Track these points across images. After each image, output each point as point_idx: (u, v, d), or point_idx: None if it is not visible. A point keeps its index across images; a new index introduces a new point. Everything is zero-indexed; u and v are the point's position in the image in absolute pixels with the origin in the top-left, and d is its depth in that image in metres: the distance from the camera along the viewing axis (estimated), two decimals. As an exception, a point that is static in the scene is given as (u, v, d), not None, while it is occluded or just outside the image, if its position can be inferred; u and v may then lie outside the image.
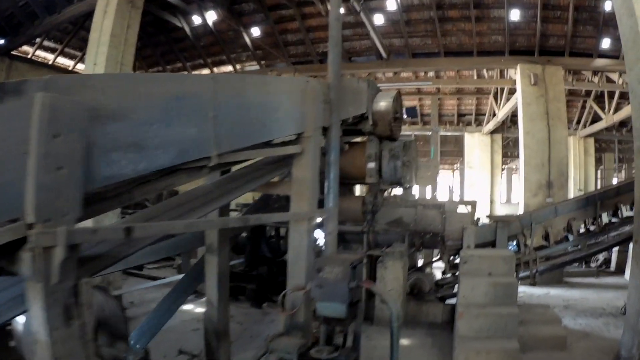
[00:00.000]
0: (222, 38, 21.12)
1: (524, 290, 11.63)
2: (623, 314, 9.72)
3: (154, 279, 12.71)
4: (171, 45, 22.48)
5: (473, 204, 10.63)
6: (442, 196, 18.86)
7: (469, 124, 27.93)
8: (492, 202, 27.80)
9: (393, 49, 19.23)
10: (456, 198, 22.84)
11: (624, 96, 21.51)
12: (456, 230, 9.78)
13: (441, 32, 18.05)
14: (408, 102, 24.34)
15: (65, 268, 2.94)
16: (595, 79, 19.24)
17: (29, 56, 20.43)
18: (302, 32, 19.40)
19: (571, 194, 20.32)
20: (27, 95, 2.91)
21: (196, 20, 20.02)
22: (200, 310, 8.56)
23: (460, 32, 18.14)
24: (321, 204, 6.59)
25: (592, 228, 11.18)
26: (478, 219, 10.61)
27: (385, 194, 10.99)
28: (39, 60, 21.06)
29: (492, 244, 10.06)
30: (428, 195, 13.84)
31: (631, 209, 10.66)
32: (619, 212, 10.79)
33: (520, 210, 15.51)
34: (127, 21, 13.37)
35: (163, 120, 3.98)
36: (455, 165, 34.43)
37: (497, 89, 23.10)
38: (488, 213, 24.68)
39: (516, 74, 17.37)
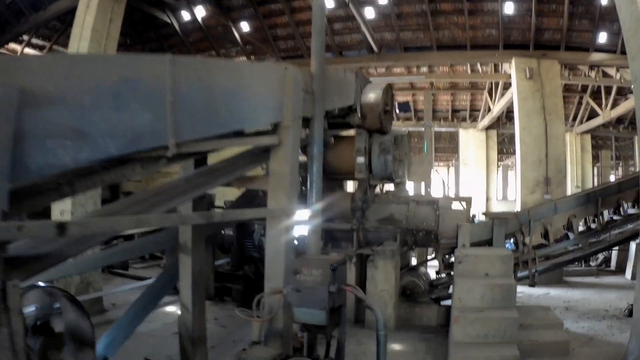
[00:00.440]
0: (211, 34, 20.79)
1: (522, 290, 11.27)
2: (627, 316, 9.62)
3: (140, 279, 12.31)
4: (160, 42, 22.18)
5: (468, 201, 10.25)
6: (436, 192, 18.46)
7: (463, 119, 27.76)
8: (488, 199, 27.67)
9: (384, 43, 18.82)
10: (451, 195, 22.42)
11: (621, 92, 21.43)
12: (450, 227, 9.41)
13: (433, 26, 17.60)
14: (401, 98, 24.12)
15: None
16: (592, 74, 18.91)
17: (18, 54, 20.01)
18: (291, 26, 19.02)
19: (569, 191, 19.97)
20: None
21: (185, 16, 19.78)
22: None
23: (453, 25, 17.69)
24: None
25: (593, 226, 10.83)
26: (474, 216, 10.22)
27: (377, 190, 10.70)
28: (27, 58, 20.59)
29: (489, 243, 9.65)
30: (422, 192, 13.43)
31: (633, 206, 10.44)
32: (621, 209, 10.38)
33: (517, 208, 15.19)
34: (110, 15, 13.02)
35: (111, 105, 3.59)
36: (450, 162, 34.06)
37: (491, 84, 22.87)
38: (484, 210, 24.46)
39: (511, 68, 17.02)
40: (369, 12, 17.44)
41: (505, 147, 30.78)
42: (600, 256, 15.29)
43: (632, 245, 13.37)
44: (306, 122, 6.19)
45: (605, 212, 10.70)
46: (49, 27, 19.52)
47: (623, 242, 10.99)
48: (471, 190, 26.09)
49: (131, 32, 20.89)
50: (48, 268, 3.47)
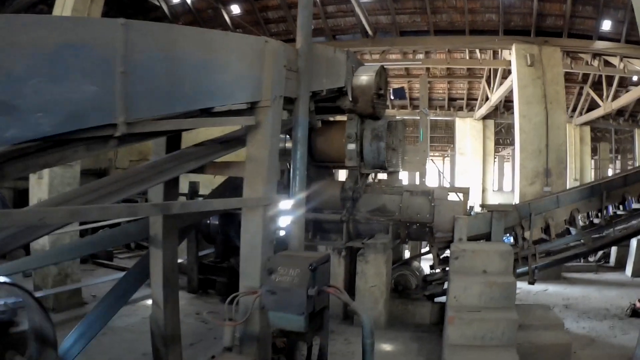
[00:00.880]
0: (201, 17, 20.20)
1: (520, 286, 10.83)
2: (629, 315, 9.35)
3: (124, 269, 11.80)
4: (150, 26, 21.71)
5: (465, 192, 9.75)
6: (432, 182, 17.99)
7: (460, 108, 27.36)
8: (484, 190, 27.35)
9: (380, 27, 18.35)
10: (447, 185, 21.99)
11: (622, 83, 21.05)
12: (446, 220, 8.95)
13: (431, 9, 17.09)
14: (396, 86, 23.47)
15: None
16: (595, 63, 18.34)
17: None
18: (283, 8, 18.48)
19: (568, 184, 19.62)
20: None
21: (175, -2, 19.26)
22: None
23: (451, 9, 17.17)
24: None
25: (596, 221, 10.35)
26: (471, 208, 9.70)
27: (370, 179, 10.27)
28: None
29: (487, 237, 9.17)
30: (417, 182, 12.96)
31: (639, 200, 9.88)
32: (627, 203, 9.90)
33: (515, 199, 14.95)
34: (91, -5, 12.46)
35: (46, 74, 3.02)
36: (446, 152, 33.67)
37: (490, 72, 22.41)
38: (480, 201, 24.16)
39: (511, 54, 16.59)
40: (364, -6, 16.85)
41: (502, 138, 30.51)
42: (600, 252, 14.84)
43: (633, 242, 13.01)
44: (290, 103, 5.66)
45: (609, 207, 10.30)
46: (37, 11, 19.12)
47: (627, 239, 10.63)
48: (467, 181, 25.65)
49: (120, 15, 20.15)
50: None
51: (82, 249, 6.80)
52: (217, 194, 7.85)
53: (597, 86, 22.75)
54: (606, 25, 15.95)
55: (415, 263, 10.31)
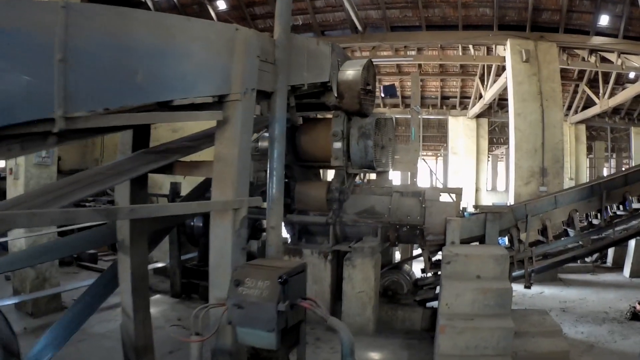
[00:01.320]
0: (187, 12, 19.84)
1: (515, 289, 10.37)
2: (629, 319, 9.09)
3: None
4: (134, 22, 21.34)
5: (458, 192, 9.36)
6: (423, 183, 17.63)
7: (453, 107, 27.14)
8: (477, 190, 27.13)
9: (369, 22, 18.06)
10: (439, 185, 21.66)
11: (619, 80, 20.87)
12: (438, 222, 8.56)
13: (423, 3, 16.79)
14: (387, 82, 23.41)
15: None
16: (592, 59, 18.04)
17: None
18: (270, 4, 18.00)
19: (564, 183, 19.39)
20: None
21: (159, -7, 18.94)
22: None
23: (444, 3, 16.89)
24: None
25: (595, 221, 10.10)
26: (464, 209, 9.33)
27: (358, 179, 9.93)
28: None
29: (480, 239, 8.79)
30: (407, 182, 12.61)
31: (639, 200, 9.64)
32: (627, 203, 9.56)
33: (510, 200, 14.75)
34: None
35: None
36: (439, 151, 33.38)
37: (483, 69, 22.13)
38: (473, 202, 23.92)
39: (506, 50, 16.35)
40: (353, -12, 16.50)
41: (496, 137, 30.20)
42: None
43: (631, 242, 12.66)
44: (267, 97, 5.23)
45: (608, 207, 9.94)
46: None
47: (627, 240, 10.39)
48: (460, 181, 25.46)
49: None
50: None
51: (59, 251, 6.37)
52: (193, 197, 7.42)
53: (592, 83, 22.54)
54: (604, 20, 15.79)
55: (406, 267, 9.95)
